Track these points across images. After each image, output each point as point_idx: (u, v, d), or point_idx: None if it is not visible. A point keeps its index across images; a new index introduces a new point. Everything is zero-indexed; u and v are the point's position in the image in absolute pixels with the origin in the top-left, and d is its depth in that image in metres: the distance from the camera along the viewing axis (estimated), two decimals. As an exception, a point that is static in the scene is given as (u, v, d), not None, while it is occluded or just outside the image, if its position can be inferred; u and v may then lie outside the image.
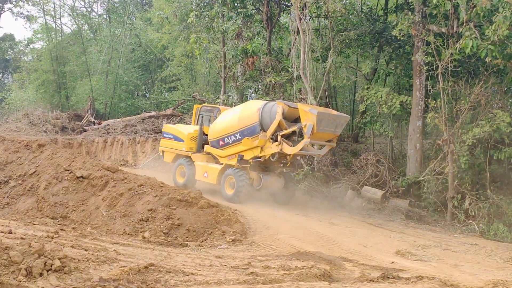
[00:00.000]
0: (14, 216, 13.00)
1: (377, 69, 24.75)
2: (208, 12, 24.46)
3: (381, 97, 20.05)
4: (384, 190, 18.97)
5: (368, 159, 20.47)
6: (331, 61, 21.52)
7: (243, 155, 16.92)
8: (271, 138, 16.31)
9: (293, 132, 16.42)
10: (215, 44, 26.76)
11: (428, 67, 18.21)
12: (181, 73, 39.27)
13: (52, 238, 8.13)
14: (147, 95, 44.34)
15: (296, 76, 21.93)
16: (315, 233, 12.42)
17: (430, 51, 17.74)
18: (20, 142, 20.17)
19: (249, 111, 17.00)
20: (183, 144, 19.03)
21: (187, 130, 19.45)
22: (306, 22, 21.43)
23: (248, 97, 30.30)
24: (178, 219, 11.75)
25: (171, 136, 19.74)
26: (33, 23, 50.29)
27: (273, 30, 24.76)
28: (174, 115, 31.19)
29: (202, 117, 19.53)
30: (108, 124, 32.09)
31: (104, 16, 45.98)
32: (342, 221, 14.92)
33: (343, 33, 21.86)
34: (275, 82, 22.87)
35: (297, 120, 16.21)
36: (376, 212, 17.75)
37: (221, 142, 17.67)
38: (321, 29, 25.31)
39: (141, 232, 11.24)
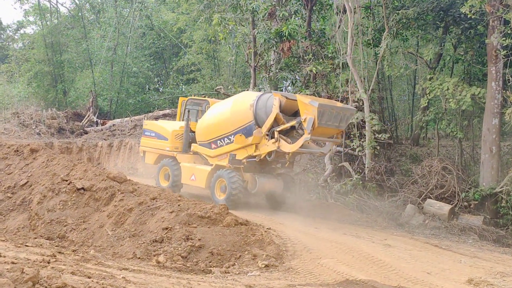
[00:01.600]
0: (2, 236, 13.18)
1: (442, 55, 24.54)
2: (234, -13, 24.64)
3: (448, 89, 19.87)
4: (452, 204, 18.79)
5: (432, 166, 20.30)
6: (385, 45, 21.42)
7: (235, 154, 17.26)
8: (267, 135, 16.64)
9: (292, 128, 16.62)
10: (243, 26, 26.87)
11: (507, 52, 17.98)
12: (202, 62, 39.44)
13: (48, 262, 8.23)
14: (161, 89, 44.69)
15: (342, 64, 21.86)
16: (367, 257, 12.33)
17: (509, 31, 17.51)
18: (9, 147, 20.40)
19: (241, 106, 17.42)
20: (167, 143, 19.51)
21: (172, 126, 19.87)
22: (354, -3, 21.39)
23: (284, 90, 30.32)
24: (199, 239, 11.76)
25: (153, 134, 20.18)
26: (24, 3, 51.17)
27: (314, 8, 24.75)
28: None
29: (189, 111, 19.79)
30: (113, 125, 32.46)
31: (109, -7, 46.48)
32: (400, 243, 14.79)
33: (399, 11, 21.71)
34: (316, 72, 22.83)
35: (296, 114, 16.47)
36: (443, 231, 17.58)
37: (213, 145, 18.11)
38: (373, 6, 25.17)
39: (154, 255, 11.24)
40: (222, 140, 17.75)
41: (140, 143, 21.55)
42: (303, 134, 15.92)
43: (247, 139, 16.93)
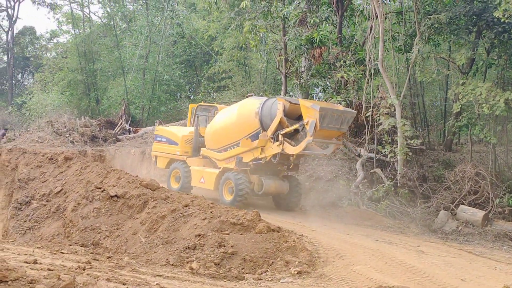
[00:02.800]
0: (38, 243, 13.35)
1: (475, 60, 24.28)
2: (265, -6, 24.66)
3: (481, 94, 19.66)
4: (486, 210, 18.60)
5: (465, 171, 20.10)
6: (416, 51, 21.27)
7: (242, 157, 18.21)
8: (272, 138, 17.51)
9: (296, 131, 17.46)
10: (274, 33, 26.91)
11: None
12: (233, 69, 39.50)
13: (84, 269, 8.33)
14: (192, 97, 44.86)
15: (373, 70, 21.77)
16: (400, 263, 12.25)
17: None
18: (43, 155, 20.73)
19: (246, 114, 18.37)
20: (177, 148, 20.38)
21: (182, 132, 20.86)
22: (385, 3, 21.31)
23: (314, 96, 30.28)
24: (232, 246, 11.79)
25: (164, 139, 21.09)
26: (57, 12, 51.87)
27: (345, 14, 24.71)
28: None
29: (198, 117, 20.85)
30: (146, 132, 32.63)
31: (140, 2, 46.77)
32: (433, 249, 14.68)
33: (431, 16, 21.54)
34: (347, 78, 22.78)
35: (300, 117, 17.28)
36: (476, 237, 17.40)
37: (222, 150, 19.07)
38: (404, 11, 25.04)
39: (187, 262, 11.29)
40: (231, 147, 18.67)
41: (152, 148, 22.32)
42: (306, 137, 16.69)
43: (253, 142, 17.85)
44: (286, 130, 17.28)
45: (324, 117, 16.43)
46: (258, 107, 17.96)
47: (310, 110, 16.53)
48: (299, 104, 17.19)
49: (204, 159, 19.89)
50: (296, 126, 17.16)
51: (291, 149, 17.17)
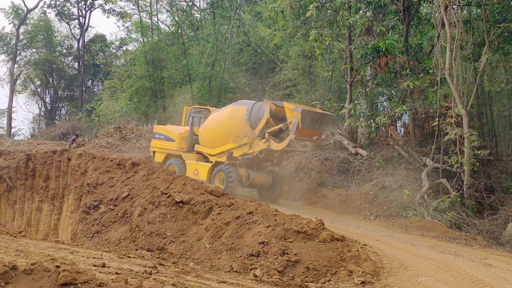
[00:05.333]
0: (106, 247, 13.61)
1: (547, 69, 23.74)
2: (331, 3, 24.57)
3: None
4: (556, 224, 18.11)
5: (535, 183, 19.65)
6: (485, 60, 20.88)
7: (232, 152, 20.83)
8: (259, 136, 20.14)
9: (280, 130, 20.10)
10: (340, 41, 26.83)
11: None
12: (297, 77, 39.48)
13: (150, 274, 8.44)
14: (257, 104, 44.90)
15: (440, 80, 21.46)
16: (466, 276, 12.00)
17: None
18: (111, 161, 21.10)
19: (237, 121, 20.81)
20: (174, 144, 23.09)
21: (178, 130, 23.56)
22: (453, 12, 20.98)
23: (379, 105, 30.03)
24: (295, 254, 11.74)
25: (162, 137, 23.77)
26: (126, 21, 52.86)
27: (411, 23, 24.44)
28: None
29: (193, 118, 23.56)
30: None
31: (207, 11, 47.23)
32: (501, 262, 14.33)
33: (501, 25, 21.15)
34: (413, 87, 22.51)
35: (284, 118, 19.79)
36: (548, 251, 16.92)
37: (215, 148, 21.64)
38: (473, 20, 24.63)
39: (251, 269, 11.28)
40: (223, 144, 21.23)
41: (150, 144, 24.95)
42: (289, 135, 19.31)
43: (243, 139, 20.48)
44: (272, 129, 19.89)
45: (305, 118, 19.08)
46: (246, 114, 20.59)
47: (293, 111, 19.11)
48: (283, 107, 19.78)
49: (197, 154, 22.54)
50: (280, 125, 19.79)
51: (276, 146, 19.73)
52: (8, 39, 56.95)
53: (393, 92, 25.06)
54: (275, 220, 13.39)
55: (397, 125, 28.37)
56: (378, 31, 23.44)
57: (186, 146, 22.80)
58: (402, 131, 27.74)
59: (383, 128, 26.27)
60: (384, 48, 22.80)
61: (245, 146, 20.54)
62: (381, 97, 28.74)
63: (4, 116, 59.80)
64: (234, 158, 20.76)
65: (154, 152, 24.15)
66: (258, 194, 22.12)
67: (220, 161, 21.18)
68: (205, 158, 22.25)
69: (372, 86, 25.17)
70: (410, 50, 24.17)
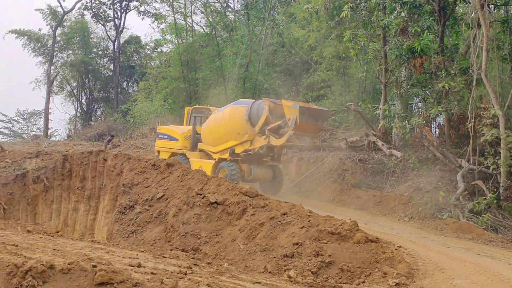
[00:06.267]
0: (141, 247, 13.72)
1: None
2: (366, 4, 24.47)
3: None
4: None
5: None
6: (522, 60, 20.65)
7: (234, 149, 22.09)
8: (259, 133, 21.40)
9: (279, 127, 21.21)
10: (374, 42, 26.70)
11: None
12: (332, 78, 39.30)
13: (185, 274, 8.50)
14: (291, 106, 44.77)
15: (476, 80, 21.24)
16: (503, 279, 11.84)
17: None
18: (146, 161, 21.25)
19: (238, 121, 22.05)
20: (178, 143, 24.29)
21: (181, 130, 24.76)
22: (489, 11, 20.75)
23: (414, 106, 29.81)
24: (329, 256, 11.70)
25: (166, 136, 24.98)
26: (161, 22, 53.16)
27: (447, 23, 24.20)
28: (323, 129, 31.15)
29: (195, 117, 24.82)
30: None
31: (242, 12, 47.31)
32: (539, 266, 14.13)
33: (539, 25, 20.90)
34: (449, 88, 22.29)
35: (282, 115, 21.06)
36: None
37: (217, 146, 22.77)
38: (510, 19, 24.30)
39: (285, 270, 11.28)
40: (225, 142, 22.39)
41: (155, 144, 26.17)
42: (288, 131, 20.54)
43: (244, 137, 21.72)
44: (271, 125, 21.18)
45: (303, 114, 20.32)
46: (246, 114, 21.84)
47: (291, 108, 20.35)
48: (281, 104, 21.14)
49: (200, 152, 23.73)
50: (279, 122, 21.02)
51: (276, 141, 20.98)
52: (45, 40, 57.67)
53: (428, 93, 24.84)
54: (309, 221, 13.37)
55: (432, 126, 28.16)
56: (413, 31, 23.26)
57: (189, 144, 24.13)
58: (437, 132, 27.51)
59: (417, 129, 26.07)
60: (419, 49, 22.60)
61: (246, 143, 21.83)
62: (416, 98, 28.50)
63: (41, 117, 60.81)
64: (236, 155, 22.10)
65: (158, 151, 25.29)
66: (260, 188, 22.59)
67: (223, 158, 22.47)
68: (208, 156, 23.51)
69: (407, 87, 25.00)
70: (445, 51, 23.93)
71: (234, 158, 22.07)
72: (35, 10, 57.98)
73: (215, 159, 22.82)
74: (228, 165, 21.87)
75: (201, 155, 23.72)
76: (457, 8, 25.35)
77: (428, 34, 23.66)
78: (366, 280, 11.08)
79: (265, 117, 21.31)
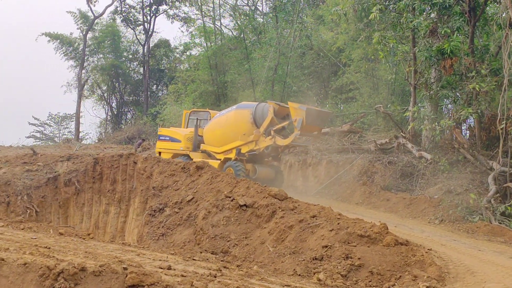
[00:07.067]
0: (171, 249, 13.74)
1: None
2: (395, 5, 24.29)
3: None
4: None
5: None
6: (555, 61, 20.32)
7: (240, 149, 22.96)
8: (264, 134, 22.27)
9: (283, 128, 22.36)
10: (403, 44, 26.51)
11: None
12: (360, 80, 39.09)
13: (215, 276, 8.49)
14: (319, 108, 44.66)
15: (508, 81, 20.95)
16: (537, 283, 11.68)
17: None
18: (176, 164, 21.30)
19: (243, 124, 22.86)
20: (180, 144, 25.25)
21: (184, 132, 25.66)
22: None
23: (444, 108, 29.53)
24: (358, 258, 11.63)
25: (168, 138, 25.98)
26: (190, 26, 53.38)
27: (477, 24, 23.94)
28: (353, 131, 31.08)
29: (197, 120, 25.71)
30: (273, 143, 32.88)
31: (270, 15, 47.32)
32: None
33: None
34: (479, 90, 22.02)
35: (285, 117, 22.45)
36: None
37: (221, 146, 23.70)
38: (542, 19, 24.01)
39: (314, 273, 11.24)
40: (229, 142, 23.30)
41: (156, 145, 27.08)
42: (294, 132, 21.57)
43: (249, 137, 22.54)
44: (277, 126, 22.16)
45: (309, 116, 21.31)
46: (251, 118, 22.67)
47: (298, 110, 21.38)
48: (285, 107, 22.45)
49: (202, 153, 24.61)
50: (286, 123, 22.27)
51: (282, 141, 21.89)
52: (76, 44, 58.17)
53: (458, 94, 24.59)
54: (338, 224, 13.31)
55: (462, 128, 27.87)
56: (442, 32, 23.02)
57: (191, 146, 25.06)
58: (468, 134, 27.25)
59: (447, 131, 25.82)
60: (449, 50, 22.36)
61: (251, 143, 22.73)
62: (445, 100, 28.23)
63: (72, 121, 61.34)
64: (242, 155, 23.02)
65: (160, 152, 26.01)
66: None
67: (228, 157, 23.39)
68: (209, 156, 24.40)
69: (437, 89, 24.75)
70: (475, 52, 23.66)
71: (240, 157, 23.04)
72: (66, 12, 58.72)
73: (218, 159, 23.81)
74: (235, 164, 22.74)
75: (203, 155, 24.56)
76: (488, 8, 25.06)
77: (458, 35, 23.40)
78: (396, 283, 10.97)
79: (270, 118, 22.29)
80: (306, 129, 21.71)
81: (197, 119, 25.85)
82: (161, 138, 26.47)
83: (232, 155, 23.28)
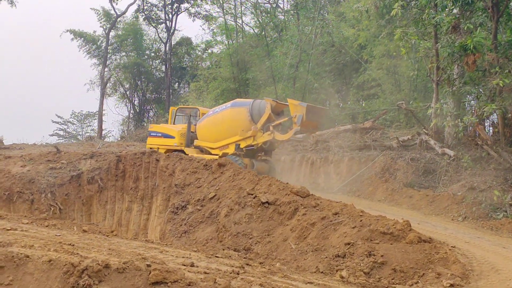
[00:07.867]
0: (194, 247, 13.74)
1: None
2: (416, 2, 24.10)
3: None
4: None
5: None
6: None
7: (239, 144, 23.56)
8: (261, 129, 22.84)
9: (281, 124, 22.73)
10: (426, 40, 26.29)
11: None
12: (382, 77, 38.89)
13: (238, 274, 8.47)
14: (341, 105, 44.62)
15: (532, 78, 20.73)
16: (562, 281, 11.53)
17: None
18: (198, 162, 21.30)
19: (241, 121, 23.31)
20: (174, 140, 25.63)
21: (176, 128, 25.96)
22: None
23: (466, 104, 29.29)
24: (381, 256, 11.53)
25: (160, 134, 26.26)
26: (212, 24, 53.42)
27: (500, 19, 23.68)
28: (375, 128, 30.92)
29: (189, 116, 26.03)
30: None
31: (291, 12, 47.23)
32: None
33: None
34: (503, 85, 21.77)
35: (279, 113, 23.36)
36: None
37: (217, 142, 24.23)
38: None
39: (337, 270, 11.18)
40: (226, 138, 23.89)
41: (147, 142, 27.27)
42: (292, 127, 22.11)
43: (247, 133, 23.07)
44: (275, 122, 22.70)
45: (309, 112, 21.83)
46: (248, 115, 23.15)
47: (298, 106, 21.97)
48: (281, 103, 23.47)
49: (196, 148, 25.07)
50: (285, 119, 22.79)
51: (281, 137, 22.55)
52: (99, 42, 58.45)
53: (481, 90, 24.33)
54: (361, 221, 13.22)
55: (486, 124, 27.61)
56: (465, 28, 22.78)
57: (185, 141, 25.46)
58: (491, 131, 26.98)
59: (470, 127, 25.58)
60: (472, 46, 22.12)
61: (249, 138, 23.27)
62: (468, 96, 27.99)
63: (95, 119, 61.71)
64: (240, 149, 23.67)
65: (151, 148, 25.86)
66: None
67: (226, 152, 23.85)
68: (202, 151, 24.92)
69: (460, 85, 24.52)
70: (499, 48, 23.39)
71: (238, 152, 23.65)
72: (90, 8, 58.97)
73: (215, 154, 24.22)
74: (234, 159, 22.91)
75: (196, 151, 25.05)
76: (511, 3, 24.78)
77: (481, 31, 23.13)
78: (419, 281, 10.87)
79: (267, 114, 22.87)
80: (305, 125, 22.28)
81: (189, 115, 26.28)
82: (152, 134, 26.86)
83: (230, 150, 23.89)
